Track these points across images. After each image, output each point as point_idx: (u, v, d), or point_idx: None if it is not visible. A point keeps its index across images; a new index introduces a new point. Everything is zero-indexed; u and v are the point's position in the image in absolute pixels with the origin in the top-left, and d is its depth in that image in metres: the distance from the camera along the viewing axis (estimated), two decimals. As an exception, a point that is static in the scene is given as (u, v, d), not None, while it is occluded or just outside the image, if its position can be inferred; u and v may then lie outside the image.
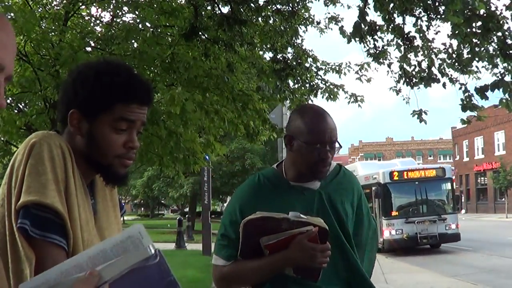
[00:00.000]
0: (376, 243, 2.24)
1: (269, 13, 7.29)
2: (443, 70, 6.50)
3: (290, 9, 7.24)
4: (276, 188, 2.05)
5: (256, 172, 2.31)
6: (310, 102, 8.81)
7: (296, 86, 8.01)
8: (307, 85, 8.11)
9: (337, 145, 2.02)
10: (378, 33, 6.50)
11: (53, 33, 7.01)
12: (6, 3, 7.65)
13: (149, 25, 7.65)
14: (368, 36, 6.44)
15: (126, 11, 8.02)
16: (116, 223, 1.62)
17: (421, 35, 6.31)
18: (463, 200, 52.05)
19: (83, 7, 8.17)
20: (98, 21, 8.29)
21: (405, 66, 6.63)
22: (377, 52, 6.72)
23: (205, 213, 16.45)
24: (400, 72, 6.79)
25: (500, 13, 5.79)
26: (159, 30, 7.90)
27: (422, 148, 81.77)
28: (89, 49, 7.24)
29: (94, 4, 8.12)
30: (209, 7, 7.10)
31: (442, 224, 16.68)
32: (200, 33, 6.63)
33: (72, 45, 6.52)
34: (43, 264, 1.29)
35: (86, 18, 8.42)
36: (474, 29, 5.86)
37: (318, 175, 2.00)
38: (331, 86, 8.54)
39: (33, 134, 1.44)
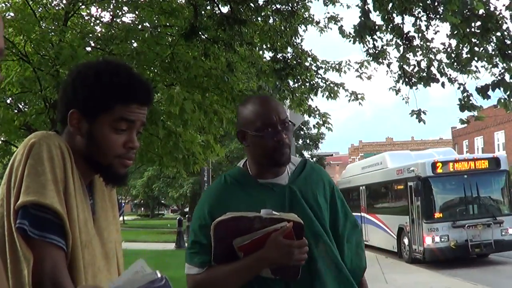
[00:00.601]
0: (359, 236, 2.12)
1: (268, 12, 7.29)
2: (442, 70, 6.50)
3: (290, 8, 7.25)
4: (244, 187, 1.96)
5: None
6: (310, 101, 8.84)
7: (296, 85, 8.01)
8: (307, 84, 8.12)
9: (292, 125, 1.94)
10: (378, 33, 6.50)
11: (52, 33, 7.01)
12: (6, 3, 7.67)
13: (148, 25, 7.66)
14: (367, 36, 6.45)
15: (126, 11, 8.03)
16: (115, 224, 1.62)
17: (420, 35, 6.32)
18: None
19: (83, 7, 8.17)
20: (98, 21, 8.30)
21: (404, 66, 6.63)
22: (377, 52, 6.72)
23: (205, 213, 16.43)
24: (399, 72, 6.79)
25: (499, 13, 5.79)
26: (158, 30, 7.91)
27: (422, 148, 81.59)
28: (89, 49, 7.24)
29: (94, 4, 8.13)
30: (208, 7, 7.10)
31: (498, 228, 13.29)
32: (200, 33, 6.63)
33: (72, 45, 6.54)
34: (41, 265, 1.29)
35: (86, 18, 8.42)
36: (473, 29, 5.86)
37: (280, 160, 1.90)
38: (331, 85, 8.55)
39: (32, 134, 1.44)
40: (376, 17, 6.31)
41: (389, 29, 6.36)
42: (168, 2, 7.57)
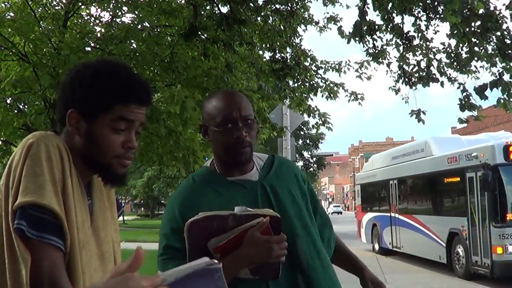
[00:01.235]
0: (331, 233, 2.06)
1: (268, 12, 7.29)
2: (442, 70, 6.50)
3: (289, 9, 7.25)
4: (213, 185, 1.87)
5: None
6: (310, 101, 8.85)
7: (296, 85, 8.02)
8: (307, 84, 8.12)
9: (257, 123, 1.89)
10: (377, 33, 6.50)
11: (52, 34, 7.01)
12: (6, 3, 7.67)
13: (148, 25, 7.66)
14: (367, 36, 6.45)
15: (125, 11, 8.03)
16: (113, 224, 1.61)
17: (420, 34, 6.32)
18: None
19: (83, 7, 8.17)
20: (97, 21, 8.30)
21: (404, 66, 6.63)
22: (376, 51, 6.72)
23: (205, 213, 16.42)
24: (399, 72, 6.79)
25: (499, 13, 5.79)
26: (158, 30, 7.91)
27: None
28: (88, 49, 7.24)
29: (94, 4, 8.13)
30: (208, 7, 7.10)
31: None
32: (199, 33, 6.63)
33: (71, 46, 6.54)
34: (39, 265, 1.29)
35: (86, 18, 8.42)
36: (473, 29, 5.86)
37: (239, 158, 1.83)
38: (331, 85, 8.56)
39: (30, 135, 1.44)
40: (376, 17, 6.32)
41: (389, 29, 6.36)
42: (168, 2, 7.57)
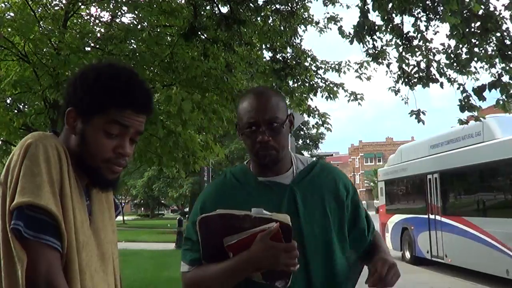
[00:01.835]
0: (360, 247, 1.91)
1: (268, 13, 7.30)
2: (441, 70, 6.51)
3: (289, 9, 7.25)
4: (242, 184, 1.85)
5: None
6: (310, 101, 8.85)
7: (296, 85, 8.03)
8: (307, 84, 8.13)
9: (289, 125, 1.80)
10: (377, 33, 6.51)
11: (52, 34, 7.02)
12: (6, 3, 7.68)
13: (148, 25, 7.66)
14: (367, 36, 6.45)
15: (125, 11, 8.03)
16: (111, 224, 1.61)
17: (420, 35, 6.32)
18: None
19: (83, 7, 8.18)
20: (97, 21, 8.30)
21: (403, 66, 6.64)
22: (376, 52, 6.73)
23: (205, 213, 16.43)
24: (399, 72, 6.80)
25: (498, 13, 5.79)
26: (158, 30, 7.91)
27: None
28: (88, 49, 7.24)
29: (94, 4, 8.13)
30: (208, 7, 7.10)
31: None
32: (199, 33, 6.63)
33: (71, 46, 6.54)
34: (36, 266, 1.29)
35: (86, 18, 8.43)
36: (472, 29, 5.86)
37: (263, 161, 1.79)
38: (331, 85, 8.57)
39: (29, 135, 1.44)
40: (375, 17, 6.32)
41: (388, 29, 6.37)
42: (168, 2, 7.57)
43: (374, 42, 6.62)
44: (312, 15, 8.50)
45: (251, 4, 6.71)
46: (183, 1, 7.86)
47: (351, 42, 6.37)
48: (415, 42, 6.43)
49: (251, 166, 1.89)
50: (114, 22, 8.07)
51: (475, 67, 6.30)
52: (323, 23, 8.45)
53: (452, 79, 6.46)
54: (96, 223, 1.52)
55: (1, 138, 8.41)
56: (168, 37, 8.04)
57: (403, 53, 6.49)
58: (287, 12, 7.27)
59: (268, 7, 7.10)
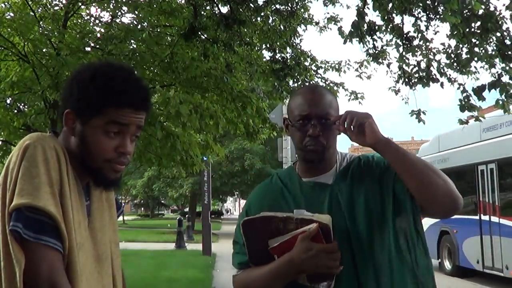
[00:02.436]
0: (428, 260, 1.76)
1: (268, 13, 7.30)
2: (442, 70, 6.51)
3: (289, 9, 7.25)
4: (286, 186, 1.84)
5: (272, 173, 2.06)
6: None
7: (296, 85, 8.03)
8: (307, 84, 8.13)
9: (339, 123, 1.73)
10: (377, 33, 6.51)
11: (51, 34, 7.02)
12: (6, 3, 7.67)
13: (148, 25, 7.66)
14: (367, 36, 6.45)
15: (125, 11, 8.03)
16: (112, 224, 1.61)
17: (420, 35, 6.32)
18: (463, 200, 51.70)
19: (83, 7, 8.17)
20: (97, 21, 8.30)
21: (403, 66, 6.64)
22: (376, 52, 6.73)
23: (205, 213, 16.47)
24: (399, 72, 6.80)
25: (499, 13, 5.79)
26: (158, 30, 7.91)
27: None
28: (88, 49, 7.24)
29: (94, 4, 8.12)
30: (208, 7, 7.10)
31: None
32: (199, 33, 6.63)
33: (70, 46, 6.53)
34: (38, 267, 1.28)
35: (86, 18, 8.42)
36: (473, 29, 5.86)
37: (308, 156, 1.76)
38: (331, 84, 8.57)
39: (27, 136, 1.44)
40: (376, 17, 6.32)
41: (389, 29, 6.37)
42: (168, 2, 7.56)
43: (374, 42, 6.62)
44: (312, 15, 8.51)
45: (251, 4, 6.71)
46: (183, 1, 7.86)
47: (344, 42, 6.36)
48: (416, 42, 6.43)
49: (296, 167, 1.88)
50: (114, 22, 8.07)
51: (475, 67, 6.31)
52: (323, 23, 8.46)
53: (453, 79, 6.46)
54: (94, 224, 1.52)
55: (1, 138, 8.40)
56: (168, 37, 8.04)
57: (403, 53, 6.50)
58: (287, 12, 7.27)
59: (268, 7, 7.09)
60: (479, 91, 5.75)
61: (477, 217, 10.52)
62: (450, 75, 6.49)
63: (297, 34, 7.93)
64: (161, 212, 67.72)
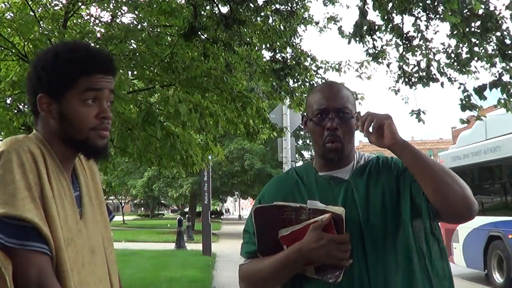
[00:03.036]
0: (446, 263, 1.75)
1: (268, 13, 7.29)
2: (442, 70, 6.51)
3: (289, 9, 7.25)
4: (301, 178, 1.85)
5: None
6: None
7: (296, 85, 8.02)
8: (307, 84, 8.13)
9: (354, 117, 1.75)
10: (377, 33, 6.51)
11: (51, 34, 7.02)
12: (6, 3, 7.68)
13: (148, 25, 7.66)
14: (367, 36, 6.45)
15: (125, 11, 8.03)
16: (103, 220, 1.62)
17: (420, 34, 6.32)
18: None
19: (83, 7, 8.17)
20: (97, 21, 8.29)
21: (403, 66, 6.64)
22: (376, 52, 6.72)
23: (205, 213, 16.46)
24: (399, 72, 6.80)
25: (499, 13, 5.79)
26: (158, 30, 7.91)
27: (422, 148, 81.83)
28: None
29: (94, 4, 8.12)
30: (208, 7, 7.09)
31: None
32: (199, 33, 6.63)
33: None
34: (27, 273, 1.29)
35: (86, 18, 8.42)
36: (473, 29, 5.87)
37: (326, 152, 1.76)
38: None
39: (2, 142, 1.44)
40: (375, 17, 6.32)
41: (388, 29, 6.37)
42: (168, 2, 7.56)
43: (374, 42, 6.62)
44: (312, 15, 8.51)
45: (251, 4, 6.70)
46: (183, 1, 7.85)
47: (349, 42, 6.37)
48: (415, 42, 6.43)
49: (314, 162, 1.90)
50: (114, 22, 8.06)
51: (475, 67, 6.31)
52: (323, 23, 8.47)
53: (453, 79, 6.46)
54: (86, 214, 1.52)
55: (1, 138, 8.40)
56: (168, 37, 8.04)
57: (403, 53, 6.50)
58: (287, 12, 7.26)
59: (268, 7, 7.09)
60: (480, 91, 5.75)
61: None
62: (450, 74, 6.49)
63: (297, 34, 7.92)
64: (161, 212, 67.73)
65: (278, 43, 7.50)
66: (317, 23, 8.52)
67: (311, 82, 8.14)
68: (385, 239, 1.69)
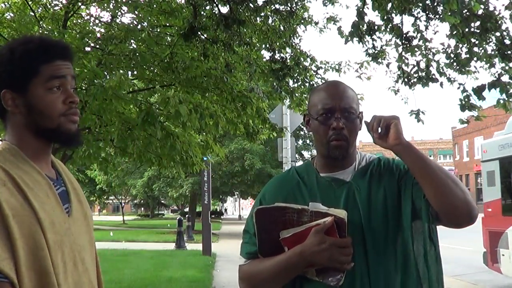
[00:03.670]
0: (440, 271, 1.75)
1: (268, 13, 7.30)
2: (441, 70, 6.51)
3: (289, 9, 7.25)
4: (302, 179, 1.83)
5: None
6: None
7: (296, 85, 8.03)
8: (307, 84, 8.14)
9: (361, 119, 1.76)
10: (377, 33, 6.51)
11: (51, 34, 7.02)
12: (6, 3, 7.68)
13: (148, 25, 7.66)
14: (366, 36, 6.45)
15: (125, 11, 8.03)
16: (86, 224, 1.58)
17: (419, 35, 6.33)
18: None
19: (83, 7, 8.18)
20: (97, 21, 8.30)
21: (403, 66, 6.64)
22: (376, 52, 6.73)
23: (205, 213, 16.46)
24: (398, 72, 6.80)
25: (498, 13, 5.79)
26: (158, 30, 7.91)
27: (422, 148, 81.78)
28: (88, 49, 7.24)
29: (94, 4, 8.13)
30: (208, 7, 7.10)
31: None
32: (199, 33, 6.63)
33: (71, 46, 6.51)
34: None
35: (86, 18, 8.43)
36: (472, 29, 5.87)
37: (331, 150, 1.74)
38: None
39: None
40: (375, 17, 6.33)
41: (388, 29, 6.37)
42: (168, 2, 7.57)
43: (374, 42, 6.62)
44: (312, 15, 8.51)
45: (250, 4, 6.71)
46: (183, 1, 7.86)
47: (346, 42, 6.37)
48: (415, 42, 6.43)
49: (315, 162, 1.88)
50: (114, 22, 8.07)
51: (474, 67, 6.31)
52: (323, 23, 8.47)
53: (452, 79, 6.47)
54: (74, 212, 1.51)
55: (0, 138, 8.41)
56: (168, 37, 8.05)
57: (403, 53, 6.50)
58: (287, 12, 7.27)
59: (267, 7, 7.10)
60: (479, 91, 5.75)
61: None
62: (449, 74, 6.50)
63: (297, 34, 7.93)
64: (161, 212, 67.71)
65: (277, 43, 7.50)
66: (316, 23, 8.52)
67: (311, 82, 8.15)
68: (386, 242, 1.69)
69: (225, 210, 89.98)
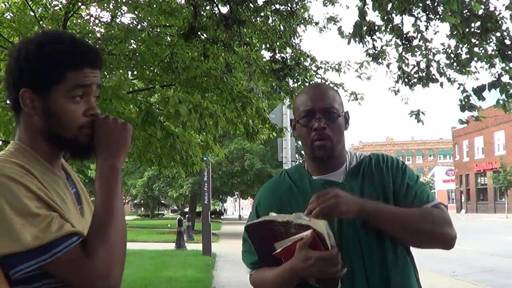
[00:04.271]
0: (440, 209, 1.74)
1: (268, 13, 7.30)
2: (441, 70, 6.51)
3: (289, 9, 7.25)
4: (295, 183, 1.83)
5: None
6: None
7: (296, 85, 8.03)
8: (307, 84, 8.14)
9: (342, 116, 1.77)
10: (377, 33, 6.50)
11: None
12: (6, 3, 7.68)
13: (148, 25, 7.66)
14: (367, 36, 6.45)
15: (125, 11, 8.03)
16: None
17: (420, 35, 6.32)
18: (463, 200, 52.02)
19: (83, 7, 8.17)
20: (97, 21, 8.30)
21: (403, 66, 6.64)
22: (376, 52, 6.72)
23: (205, 213, 16.46)
24: (398, 73, 6.80)
25: (498, 13, 5.79)
26: (158, 30, 7.91)
27: (422, 148, 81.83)
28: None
29: (94, 4, 8.13)
30: (208, 7, 7.10)
31: None
32: (199, 33, 6.63)
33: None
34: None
35: (86, 18, 8.42)
36: (472, 29, 5.86)
37: (316, 152, 1.75)
38: (331, 85, 8.57)
39: None
40: (375, 17, 6.32)
41: (388, 29, 6.37)
42: (168, 2, 7.57)
43: (374, 42, 6.62)
44: (312, 15, 8.51)
45: (251, 4, 6.71)
46: (183, 1, 7.86)
47: (349, 42, 6.37)
48: (415, 42, 6.43)
49: (306, 165, 1.89)
50: (114, 22, 8.07)
51: (475, 67, 6.31)
52: (323, 23, 8.47)
53: (452, 79, 6.46)
54: (86, 214, 1.48)
55: (0, 138, 8.41)
56: (168, 37, 8.04)
57: (403, 53, 6.49)
58: (287, 12, 7.26)
59: (268, 7, 7.09)
60: (479, 91, 5.74)
61: None
62: (449, 75, 6.49)
63: (297, 34, 7.93)
64: (161, 212, 67.69)
65: (277, 43, 7.50)
66: (317, 23, 8.52)
67: (311, 82, 8.15)
68: (382, 242, 1.71)
69: (225, 210, 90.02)
